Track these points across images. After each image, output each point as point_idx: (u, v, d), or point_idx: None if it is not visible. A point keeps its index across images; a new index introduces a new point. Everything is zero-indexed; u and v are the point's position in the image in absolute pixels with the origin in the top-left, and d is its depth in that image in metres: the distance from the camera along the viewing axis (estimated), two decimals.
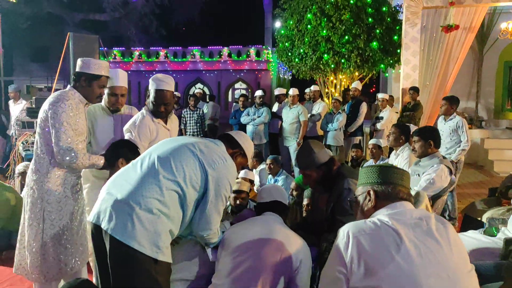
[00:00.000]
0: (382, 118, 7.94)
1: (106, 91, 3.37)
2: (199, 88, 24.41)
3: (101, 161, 2.93)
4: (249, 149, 2.56)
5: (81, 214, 3.02)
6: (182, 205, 2.21)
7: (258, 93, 8.13)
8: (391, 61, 9.67)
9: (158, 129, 3.32)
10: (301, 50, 9.62)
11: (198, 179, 2.23)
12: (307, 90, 8.99)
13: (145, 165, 2.24)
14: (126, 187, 2.16)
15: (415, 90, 7.66)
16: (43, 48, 23.96)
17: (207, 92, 23.63)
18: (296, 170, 6.97)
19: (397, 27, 9.51)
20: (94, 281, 2.94)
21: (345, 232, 1.65)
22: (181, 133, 8.68)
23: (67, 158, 2.75)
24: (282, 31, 10.35)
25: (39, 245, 2.80)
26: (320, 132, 8.10)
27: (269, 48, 24.23)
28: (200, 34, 28.41)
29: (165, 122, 3.42)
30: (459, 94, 10.55)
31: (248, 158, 2.57)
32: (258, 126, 7.80)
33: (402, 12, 9.05)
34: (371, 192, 1.85)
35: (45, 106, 2.83)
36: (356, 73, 10.02)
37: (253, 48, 24.59)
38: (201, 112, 8.92)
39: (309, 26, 9.38)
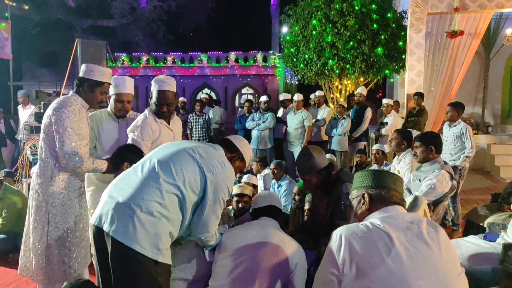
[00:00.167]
0: (386, 123, 7.95)
1: (112, 97, 3.46)
2: (206, 93, 24.51)
3: (104, 165, 2.99)
4: (247, 153, 2.62)
5: (85, 217, 3.08)
6: (181, 208, 2.27)
7: (263, 98, 8.18)
8: (396, 67, 9.69)
9: (161, 129, 3.38)
10: (306, 56, 9.68)
11: (198, 183, 2.28)
12: (312, 96, 9.03)
13: (146, 169, 2.29)
14: (127, 191, 2.21)
15: (419, 95, 7.66)
16: (52, 53, 24.24)
17: (214, 97, 23.74)
18: None
19: (402, 33, 9.53)
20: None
21: (338, 235, 1.70)
22: (187, 137, 8.75)
23: (72, 162, 2.82)
24: (288, 37, 10.42)
25: (44, 247, 2.87)
26: (325, 137, 8.12)
27: (276, 53, 24.30)
28: (207, 40, 28.61)
29: (168, 123, 3.48)
30: (465, 100, 10.55)
31: (246, 162, 2.62)
32: (263, 131, 7.85)
33: (407, 18, 9.07)
34: (366, 196, 1.89)
35: (48, 111, 2.90)
36: (361, 79, 10.05)
37: (260, 53, 24.68)
38: (206, 117, 8.98)
39: (314, 32, 9.44)
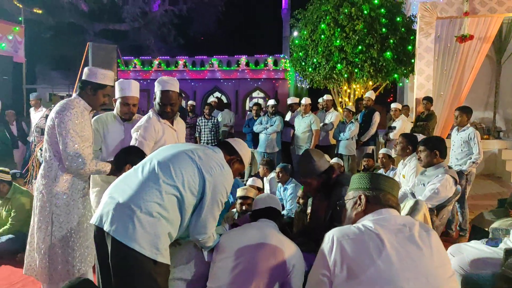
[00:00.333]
0: (394, 127, 7.92)
1: (118, 100, 3.52)
2: (216, 96, 24.61)
3: (108, 167, 3.04)
4: (246, 156, 2.65)
5: (89, 218, 3.12)
6: (180, 209, 2.30)
7: (271, 102, 8.21)
8: (405, 71, 9.65)
9: (164, 129, 3.42)
10: (315, 60, 9.69)
11: (196, 184, 2.32)
12: (320, 100, 9.04)
13: (146, 170, 2.34)
14: (127, 191, 2.25)
15: (428, 100, 7.61)
16: (65, 57, 24.50)
17: (225, 100, 23.82)
18: None
19: (411, 37, 9.50)
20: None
21: (330, 237, 1.72)
22: (195, 140, 8.81)
23: (75, 164, 2.87)
24: (296, 41, 10.44)
25: (48, 247, 2.92)
26: (333, 141, 8.12)
27: (286, 57, 24.32)
28: (218, 44, 28.71)
29: (172, 123, 3.52)
30: (476, 104, 10.45)
31: (245, 164, 2.65)
32: (271, 135, 7.87)
33: (416, 22, 9.04)
34: (362, 197, 1.90)
35: (52, 114, 2.97)
36: (370, 83, 10.03)
37: (270, 57, 24.72)
38: (215, 120, 9.03)
39: (322, 36, 9.46)
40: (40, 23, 20.32)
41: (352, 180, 2.03)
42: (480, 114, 11.44)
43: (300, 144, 7.79)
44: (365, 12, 9.13)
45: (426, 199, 3.74)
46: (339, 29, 9.22)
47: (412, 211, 2.91)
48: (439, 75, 8.68)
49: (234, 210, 4.36)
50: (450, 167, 4.00)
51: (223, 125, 10.45)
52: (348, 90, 10.37)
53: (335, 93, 10.85)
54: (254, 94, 26.09)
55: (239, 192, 4.18)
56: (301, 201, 4.55)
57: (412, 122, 8.36)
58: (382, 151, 6.09)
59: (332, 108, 8.58)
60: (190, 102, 9.88)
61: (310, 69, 10.02)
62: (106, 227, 2.19)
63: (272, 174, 6.23)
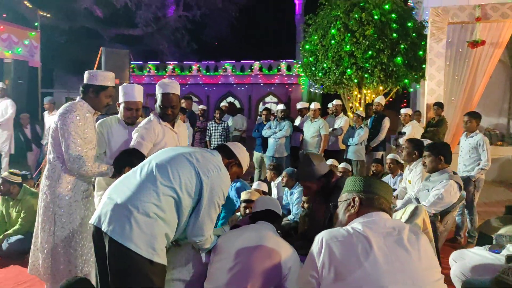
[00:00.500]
0: (404, 133, 7.86)
1: (122, 105, 3.58)
2: (229, 102, 24.72)
3: (110, 170, 3.10)
4: (245, 160, 2.68)
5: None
6: (177, 210, 2.34)
7: (280, 107, 8.22)
8: (415, 76, 9.58)
9: (165, 132, 3.46)
10: (325, 65, 9.69)
11: (193, 186, 2.35)
12: (329, 105, 9.02)
13: (144, 172, 2.38)
14: (125, 192, 2.30)
15: (439, 105, 7.56)
16: (80, 61, 24.82)
17: (238, 105, 23.91)
18: None
19: (422, 42, 9.44)
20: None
21: (320, 239, 1.74)
22: (206, 145, 8.87)
23: (77, 165, 2.93)
24: (307, 46, 10.45)
25: (50, 247, 2.99)
26: (343, 146, 8.09)
27: (299, 62, 24.33)
28: (231, 49, 28.86)
29: (173, 126, 3.56)
30: (490, 110, 10.33)
31: (244, 168, 2.68)
32: (280, 139, 7.87)
33: (427, 28, 8.99)
34: (356, 199, 1.92)
35: (55, 117, 3.04)
36: (381, 88, 9.98)
37: (284, 62, 24.79)
38: (225, 125, 9.08)
39: (332, 41, 9.46)
40: (55, 28, 20.68)
41: (347, 183, 2.05)
42: (494, 120, 11.31)
43: (308, 149, 7.77)
44: (376, 17, 9.10)
45: (430, 204, 3.73)
46: (349, 34, 9.21)
47: (412, 216, 2.91)
48: (450, 80, 8.61)
49: (238, 213, 4.39)
50: (455, 173, 3.97)
51: (235, 129, 10.49)
52: (359, 95, 10.33)
53: (345, 98, 10.83)
54: (267, 99, 26.15)
55: (243, 196, 4.21)
56: (305, 205, 4.56)
57: (423, 128, 8.30)
58: (390, 156, 6.07)
59: (342, 113, 8.55)
60: (201, 107, 9.95)
61: (320, 74, 10.03)
62: (104, 227, 2.23)
63: (280, 179, 6.24)
